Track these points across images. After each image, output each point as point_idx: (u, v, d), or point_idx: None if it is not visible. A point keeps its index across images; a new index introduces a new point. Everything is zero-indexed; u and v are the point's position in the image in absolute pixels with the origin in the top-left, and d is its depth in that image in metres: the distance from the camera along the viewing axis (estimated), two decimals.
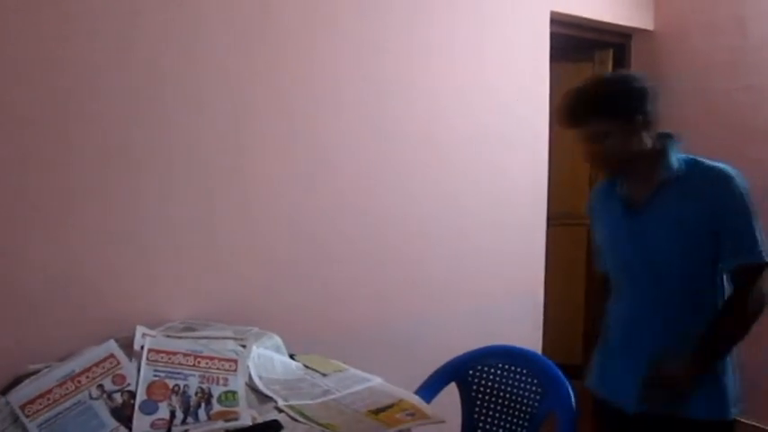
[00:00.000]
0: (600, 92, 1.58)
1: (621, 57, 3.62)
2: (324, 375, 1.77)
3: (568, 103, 1.59)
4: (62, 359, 1.59)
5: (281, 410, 1.52)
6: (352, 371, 1.81)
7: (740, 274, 1.52)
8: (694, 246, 1.52)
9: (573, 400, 1.83)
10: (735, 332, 1.52)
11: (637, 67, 3.60)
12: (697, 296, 1.56)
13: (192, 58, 1.93)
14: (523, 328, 2.78)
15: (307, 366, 1.82)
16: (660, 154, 1.57)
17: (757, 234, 1.49)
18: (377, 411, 1.51)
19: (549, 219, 3.10)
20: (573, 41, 3.35)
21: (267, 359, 1.76)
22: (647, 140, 1.58)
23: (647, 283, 1.60)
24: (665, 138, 1.60)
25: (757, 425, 3.05)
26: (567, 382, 1.89)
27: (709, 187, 1.51)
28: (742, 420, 2.50)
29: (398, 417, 1.52)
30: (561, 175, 3.41)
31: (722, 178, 1.51)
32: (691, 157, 1.58)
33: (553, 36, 2.98)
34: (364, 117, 2.34)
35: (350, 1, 2.27)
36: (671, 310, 1.57)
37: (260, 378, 1.67)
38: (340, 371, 1.81)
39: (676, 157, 1.57)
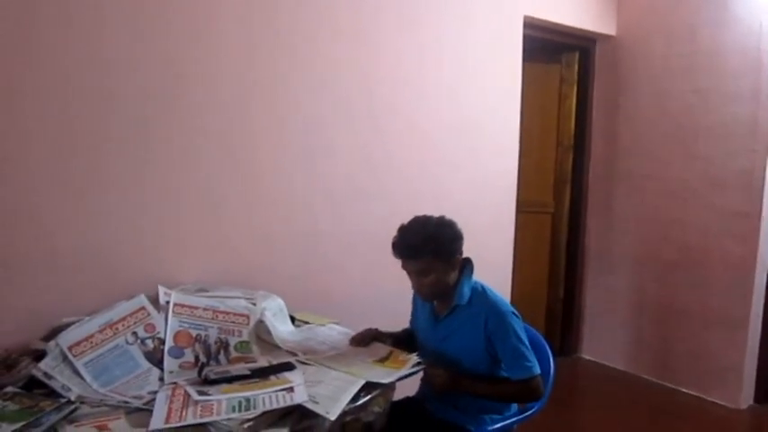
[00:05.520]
0: (433, 234, 1.81)
1: (586, 59, 3.87)
2: (322, 326, 2.01)
3: (406, 238, 1.81)
4: (90, 314, 1.75)
5: (294, 354, 1.75)
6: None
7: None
8: (469, 350, 1.86)
9: (551, 358, 2.10)
10: (496, 390, 1.86)
11: (600, 68, 3.88)
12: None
13: (204, 49, 2.11)
14: None
15: (305, 322, 2.06)
16: (456, 285, 1.88)
17: (524, 351, 1.80)
18: (381, 360, 1.74)
19: (517, 206, 3.34)
20: (543, 44, 3.58)
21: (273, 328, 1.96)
22: (455, 275, 1.88)
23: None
24: (463, 268, 1.91)
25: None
26: (546, 343, 2.14)
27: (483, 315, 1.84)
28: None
29: (402, 358, 1.76)
30: (529, 167, 3.63)
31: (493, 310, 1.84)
32: (478, 284, 1.92)
33: (526, 39, 3.21)
34: (359, 106, 2.57)
35: (348, 5, 2.49)
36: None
37: (279, 338, 1.87)
38: (335, 322, 2.06)
39: (468, 286, 1.89)
